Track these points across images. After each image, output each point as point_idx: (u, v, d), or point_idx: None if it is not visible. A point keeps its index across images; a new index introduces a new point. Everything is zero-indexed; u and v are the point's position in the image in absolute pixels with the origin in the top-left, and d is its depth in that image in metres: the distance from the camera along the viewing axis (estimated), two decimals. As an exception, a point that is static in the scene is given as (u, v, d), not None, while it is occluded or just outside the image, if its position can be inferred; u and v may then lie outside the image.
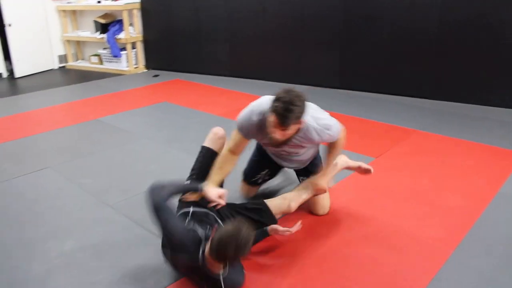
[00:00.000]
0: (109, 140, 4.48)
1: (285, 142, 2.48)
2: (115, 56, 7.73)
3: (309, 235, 2.80)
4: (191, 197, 2.51)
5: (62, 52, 8.35)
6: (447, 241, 2.70)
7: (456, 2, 5.24)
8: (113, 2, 7.66)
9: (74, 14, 8.36)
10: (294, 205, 2.77)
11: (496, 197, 3.21)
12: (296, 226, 2.59)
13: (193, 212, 2.45)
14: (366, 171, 3.11)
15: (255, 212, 2.63)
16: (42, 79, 7.42)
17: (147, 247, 2.60)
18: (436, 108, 5.33)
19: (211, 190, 2.49)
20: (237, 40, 6.92)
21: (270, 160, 3.04)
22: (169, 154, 4.10)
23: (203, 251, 2.12)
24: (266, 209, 2.66)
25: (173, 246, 2.18)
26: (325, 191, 2.86)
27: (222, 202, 2.49)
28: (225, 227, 2.06)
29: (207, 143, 2.83)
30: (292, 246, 2.68)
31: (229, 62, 7.09)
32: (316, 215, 2.99)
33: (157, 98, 5.97)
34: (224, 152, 2.69)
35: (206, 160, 2.74)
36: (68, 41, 8.28)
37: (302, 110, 2.35)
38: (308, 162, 3.00)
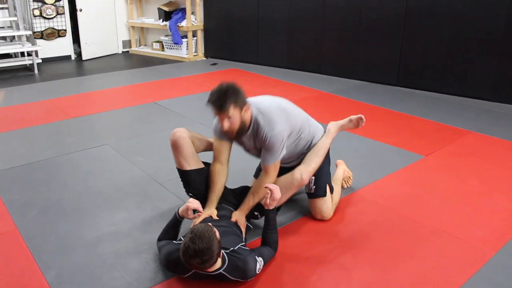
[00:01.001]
0: (164, 123, 4.67)
1: (239, 133, 2.58)
2: (176, 43, 7.98)
3: (348, 224, 2.83)
4: (197, 219, 2.51)
5: (126, 38, 8.72)
6: (490, 242, 2.65)
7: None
8: (177, -10, 7.90)
9: (139, 1, 8.69)
10: (306, 177, 2.67)
11: (548, 204, 3.10)
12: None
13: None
14: (359, 121, 2.95)
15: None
16: (107, 62, 7.80)
17: (191, 222, 2.73)
18: (494, 110, 5.15)
19: (189, 205, 2.44)
20: (296, 32, 6.95)
21: None
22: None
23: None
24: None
25: (174, 265, 2.27)
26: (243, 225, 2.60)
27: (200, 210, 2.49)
28: (185, 240, 2.07)
29: (176, 163, 2.77)
30: (331, 234, 2.73)
31: (287, 53, 7.14)
32: (316, 219, 2.88)
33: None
34: (211, 168, 2.71)
35: (183, 179, 2.77)
36: (133, 27, 8.63)
37: (236, 92, 2.48)
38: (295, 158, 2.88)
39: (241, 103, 2.49)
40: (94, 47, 8.06)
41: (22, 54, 7.31)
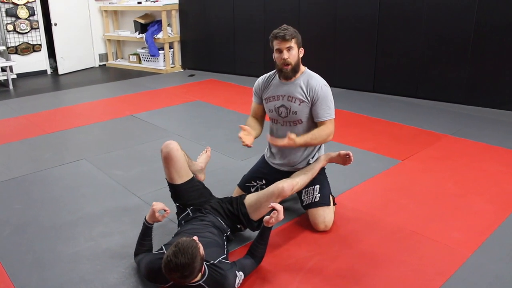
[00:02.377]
0: (142, 135, 4.65)
1: (292, 70, 2.77)
2: (153, 56, 7.97)
3: (329, 232, 2.85)
4: (160, 218, 2.47)
5: (103, 51, 8.67)
6: (467, 244, 2.69)
7: (491, 5, 5.16)
8: (152, 3, 7.90)
9: (115, 14, 8.66)
10: (288, 187, 2.62)
11: (522, 204, 3.17)
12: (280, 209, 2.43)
13: (191, 210, 2.66)
14: (346, 157, 2.94)
15: (238, 211, 2.65)
16: (83, 76, 7.73)
17: (170, 234, 2.71)
18: (468, 113, 5.25)
19: (154, 207, 2.44)
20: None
21: (270, 170, 3.03)
22: (198, 150, 4.21)
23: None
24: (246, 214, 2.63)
25: (155, 275, 2.26)
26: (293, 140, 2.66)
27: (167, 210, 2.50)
28: (168, 252, 2.06)
29: (167, 176, 2.74)
30: (310, 241, 2.74)
31: (263, 63, 7.17)
32: (317, 230, 2.84)
33: (191, 97, 6.13)
34: (248, 120, 3.04)
35: (173, 192, 2.76)
36: (109, 40, 8.59)
37: (298, 33, 2.78)
38: (305, 154, 2.92)
39: (300, 44, 2.80)
40: (70, 61, 7.99)
41: (-4, 70, 7.21)
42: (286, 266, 2.52)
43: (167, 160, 2.67)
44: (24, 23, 7.52)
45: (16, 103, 6.04)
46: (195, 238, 2.15)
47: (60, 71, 7.84)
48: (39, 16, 7.66)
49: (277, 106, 2.88)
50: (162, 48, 7.92)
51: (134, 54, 8.42)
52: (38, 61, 7.81)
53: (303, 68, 2.87)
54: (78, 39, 8.09)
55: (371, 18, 5.96)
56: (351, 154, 2.94)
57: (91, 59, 8.53)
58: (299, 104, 2.79)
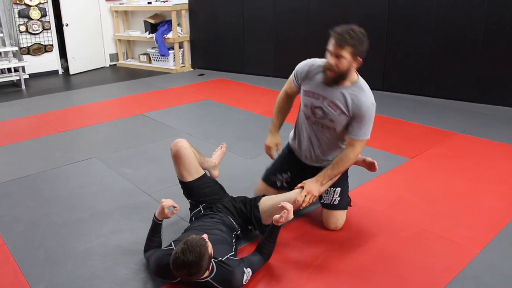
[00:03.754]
0: (152, 134, 4.68)
1: (336, 78, 2.52)
2: (163, 55, 8.01)
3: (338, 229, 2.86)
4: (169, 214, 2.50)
5: (113, 51, 8.75)
6: (475, 241, 2.69)
7: (502, 3, 5.13)
8: (162, 3, 7.95)
9: (125, 15, 8.73)
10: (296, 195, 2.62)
11: (532, 201, 3.15)
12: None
13: (203, 207, 2.68)
14: (371, 165, 3.00)
15: (251, 214, 2.66)
16: (94, 76, 7.81)
17: (181, 231, 2.73)
18: (479, 111, 5.22)
19: (164, 203, 2.47)
20: (281, 40, 7.01)
21: (296, 162, 2.97)
22: (207, 149, 4.24)
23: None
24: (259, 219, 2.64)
25: (164, 271, 2.29)
26: (312, 195, 2.62)
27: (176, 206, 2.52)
28: (177, 249, 2.09)
29: (177, 174, 2.77)
30: (319, 238, 2.75)
31: (273, 62, 7.19)
32: (328, 229, 2.84)
33: (200, 96, 6.16)
34: (279, 97, 2.98)
35: (184, 189, 2.79)
36: (120, 40, 8.66)
37: (360, 42, 2.43)
38: (331, 155, 2.81)
39: (358, 54, 2.46)
40: (81, 61, 8.07)
41: (9, 70, 7.30)
42: (294, 262, 2.53)
43: (176, 158, 2.71)
44: (36, 24, 7.61)
45: (28, 102, 6.12)
46: (205, 236, 2.18)
47: (71, 71, 7.91)
48: (51, 17, 7.74)
49: (314, 105, 2.67)
50: (172, 48, 7.96)
51: (144, 54, 8.48)
52: (49, 62, 7.89)
53: (355, 77, 2.59)
54: (89, 39, 8.17)
55: (380, 17, 5.95)
56: (376, 164, 2.96)
57: (102, 59, 8.60)
58: (339, 115, 2.59)
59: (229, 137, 4.48)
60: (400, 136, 4.49)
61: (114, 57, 8.77)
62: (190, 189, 2.74)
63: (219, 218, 2.59)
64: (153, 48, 8.25)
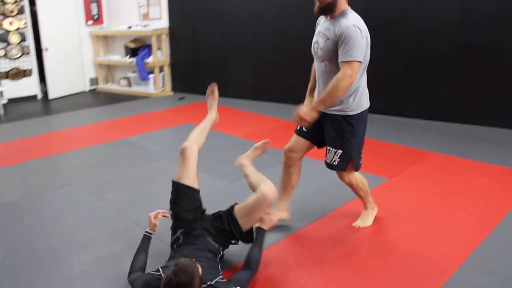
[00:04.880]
0: (133, 159, 4.69)
1: (327, 8, 2.72)
2: (143, 79, 8.06)
3: (315, 249, 2.89)
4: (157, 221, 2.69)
5: (93, 75, 8.76)
6: (453, 258, 2.75)
7: (474, 24, 5.33)
8: (143, 28, 8.02)
9: (106, 39, 8.77)
10: (264, 188, 2.64)
11: (506, 217, 3.25)
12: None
13: (181, 233, 2.65)
14: (264, 145, 3.16)
15: (231, 227, 2.68)
16: (74, 101, 7.79)
17: (163, 257, 2.74)
18: (454, 131, 5.37)
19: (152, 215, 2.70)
20: (261, 64, 7.13)
21: None
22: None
23: None
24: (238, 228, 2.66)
25: None
26: (305, 120, 2.78)
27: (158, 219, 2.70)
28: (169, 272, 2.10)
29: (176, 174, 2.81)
30: (299, 259, 2.79)
31: (253, 85, 7.29)
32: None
33: (181, 120, 6.20)
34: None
35: (174, 192, 2.80)
36: (100, 64, 8.68)
37: None
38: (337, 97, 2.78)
39: None
40: (61, 86, 8.05)
41: (-13, 95, 7.25)
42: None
43: (182, 156, 2.80)
44: (16, 49, 7.60)
45: (7, 128, 6.08)
46: (194, 260, 2.20)
47: (51, 96, 7.89)
48: (30, 41, 7.75)
49: (314, 42, 2.93)
50: (152, 72, 8.01)
51: (125, 78, 8.51)
52: (29, 86, 7.87)
53: (342, 8, 2.73)
54: (69, 63, 8.18)
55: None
56: (267, 140, 3.08)
57: (82, 84, 8.60)
58: (325, 41, 2.76)
59: (210, 161, 4.50)
60: (378, 156, 4.58)
61: (94, 81, 8.77)
62: (179, 193, 2.73)
63: (201, 244, 2.60)
64: (133, 72, 8.30)
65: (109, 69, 8.90)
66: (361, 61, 2.69)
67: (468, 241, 2.95)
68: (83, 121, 6.33)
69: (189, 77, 8.00)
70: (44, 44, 7.63)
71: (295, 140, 3.18)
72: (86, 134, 5.75)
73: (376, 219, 3.28)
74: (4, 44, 7.49)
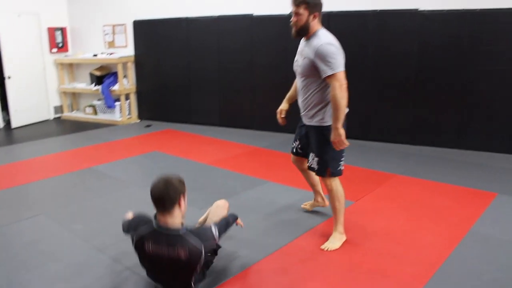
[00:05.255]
0: (101, 188, 4.65)
1: (299, 32, 3.10)
2: (109, 107, 8.02)
3: (281, 274, 2.94)
4: None
5: (58, 103, 8.65)
6: (418, 277, 2.86)
7: (429, 51, 5.64)
8: (108, 55, 8.03)
9: (71, 67, 8.72)
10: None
11: (467, 236, 3.41)
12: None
13: None
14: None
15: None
16: (38, 130, 7.66)
17: None
18: (414, 153, 5.59)
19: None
20: (226, 90, 7.24)
21: (300, 128, 3.51)
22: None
23: (155, 216, 2.59)
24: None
25: (136, 227, 2.64)
26: (339, 140, 3.11)
27: None
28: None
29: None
30: (268, 284, 2.83)
31: (219, 112, 7.37)
32: None
33: (148, 148, 6.19)
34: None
35: None
36: (65, 92, 8.60)
37: (313, 1, 3.03)
38: (314, 109, 3.24)
39: (312, 9, 3.04)
40: (24, 114, 7.92)
41: None
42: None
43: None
44: (-24, 78, 7.44)
45: (-32, 159, 5.91)
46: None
47: (14, 125, 7.74)
48: (-9, 70, 7.62)
49: (295, 60, 3.31)
50: (118, 100, 7.99)
51: (90, 106, 8.45)
52: (-10, 115, 7.70)
53: (315, 29, 3.10)
54: (32, 91, 8.07)
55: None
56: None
57: (46, 112, 8.48)
58: (303, 60, 3.15)
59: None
60: (344, 180, 4.67)
61: (58, 109, 8.67)
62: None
63: None
64: (99, 100, 8.25)
65: (74, 97, 8.82)
66: (343, 70, 3.07)
67: (433, 259, 3.07)
68: (48, 150, 6.24)
69: (155, 105, 8.02)
70: (6, 72, 7.52)
71: (294, 159, 3.67)
72: (51, 164, 5.66)
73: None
74: (-35, 73, 7.34)
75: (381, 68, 5.97)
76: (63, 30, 8.58)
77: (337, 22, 6.12)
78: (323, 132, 3.19)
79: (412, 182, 4.59)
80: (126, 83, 8.02)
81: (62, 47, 8.58)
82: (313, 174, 3.58)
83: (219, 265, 3.00)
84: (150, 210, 2.93)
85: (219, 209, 3.10)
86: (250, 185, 4.58)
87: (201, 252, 2.48)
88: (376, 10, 5.89)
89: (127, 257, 3.13)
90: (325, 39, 3.05)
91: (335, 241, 3.31)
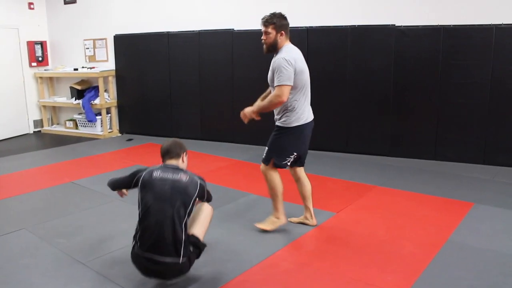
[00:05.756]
0: (83, 202, 4.63)
1: (269, 49, 3.55)
2: (90, 121, 7.99)
3: (266, 285, 2.99)
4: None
5: (37, 117, 8.58)
6: (400, 286, 2.93)
7: (405, 66, 5.81)
8: (89, 69, 8.02)
9: (51, 81, 8.67)
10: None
11: (445, 244, 3.51)
12: None
13: None
14: None
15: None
16: (17, 144, 7.58)
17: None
18: (393, 164, 5.72)
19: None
20: (208, 104, 7.29)
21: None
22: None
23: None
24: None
25: (138, 171, 3.03)
26: (246, 115, 3.66)
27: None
28: None
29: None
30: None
31: (200, 125, 7.41)
32: None
33: (129, 162, 6.18)
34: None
35: None
36: (44, 106, 8.53)
37: (279, 20, 3.50)
38: (281, 113, 3.62)
39: (279, 29, 3.50)
40: (3, 128, 7.83)
41: None
42: None
43: None
44: (-47, 92, 7.35)
45: None
46: None
47: (-8, 139, 7.65)
48: (-31, 84, 7.54)
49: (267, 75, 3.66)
50: (100, 114, 7.97)
51: (71, 120, 8.40)
52: (-33, 130, 7.60)
53: (282, 45, 3.54)
54: (11, 105, 8.00)
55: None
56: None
57: (25, 126, 8.39)
58: (270, 72, 3.55)
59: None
60: (325, 191, 4.79)
61: (38, 123, 8.59)
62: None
63: None
64: (80, 114, 8.21)
65: (54, 110, 8.76)
66: (290, 84, 3.41)
67: (414, 267, 3.16)
68: (28, 165, 6.17)
69: (136, 118, 8.02)
70: (-15, 86, 7.45)
71: (290, 169, 3.90)
72: (32, 178, 5.61)
73: (326, 252, 3.43)
74: None
75: (360, 82, 6.12)
76: (43, 44, 8.54)
77: (315, 38, 6.28)
78: (280, 130, 3.64)
79: (391, 193, 4.70)
80: (107, 97, 8.01)
81: (42, 61, 8.54)
82: (305, 186, 3.87)
83: (204, 277, 3.03)
84: (133, 223, 2.97)
85: (200, 212, 3.11)
86: (233, 197, 4.63)
87: (199, 183, 2.92)
88: (354, 26, 6.04)
89: (109, 269, 3.14)
90: (284, 54, 3.45)
91: (268, 224, 3.75)
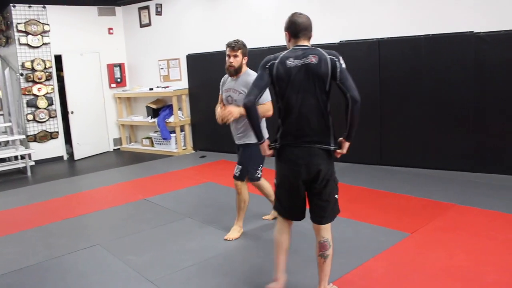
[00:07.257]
0: (154, 219, 4.74)
1: (236, 71, 3.87)
2: (165, 139, 8.25)
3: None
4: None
5: (117, 136, 9.02)
6: (480, 318, 2.67)
7: (490, 75, 5.40)
8: (163, 89, 8.31)
9: (128, 101, 9.10)
10: None
11: (536, 273, 3.15)
12: None
13: None
14: None
15: None
16: (98, 161, 8.00)
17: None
18: (475, 180, 5.31)
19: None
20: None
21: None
22: (208, 233, 4.28)
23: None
24: None
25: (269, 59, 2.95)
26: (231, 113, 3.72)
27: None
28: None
29: None
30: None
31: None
32: None
33: (202, 179, 6.28)
34: (217, 108, 4.19)
35: None
36: (123, 125, 8.95)
37: (245, 46, 3.89)
38: (246, 131, 4.01)
39: (245, 54, 3.89)
40: (86, 147, 8.31)
41: (16, 157, 7.50)
42: None
43: None
44: (43, 113, 7.93)
45: (34, 190, 6.25)
46: None
47: (76, 157, 8.12)
48: (57, 105, 8.10)
49: (226, 96, 4.03)
50: (174, 131, 8.21)
51: (147, 138, 8.73)
52: (55, 148, 8.15)
53: (245, 69, 3.92)
54: (93, 125, 8.47)
55: (373, 95, 6.18)
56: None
57: (106, 144, 8.85)
58: (238, 95, 3.88)
59: (230, 221, 4.47)
60: (399, 210, 4.54)
61: (117, 141, 9.02)
62: None
63: None
64: (155, 132, 8.52)
65: (132, 129, 9.17)
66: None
67: (495, 298, 2.87)
68: (107, 182, 6.47)
69: (209, 136, 8.15)
70: (70, 107, 7.95)
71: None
72: (109, 195, 5.86)
73: (399, 277, 3.22)
74: (33, 109, 7.83)
75: (437, 94, 5.78)
76: (121, 66, 9.00)
77: (387, 49, 6.05)
78: (251, 147, 3.96)
79: (472, 212, 4.34)
80: (181, 115, 8.24)
81: (120, 82, 8.99)
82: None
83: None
84: (203, 242, 2.95)
85: None
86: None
87: (328, 58, 2.76)
88: (429, 35, 5.75)
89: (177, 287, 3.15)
90: (251, 73, 3.82)
91: (235, 233, 4.09)
